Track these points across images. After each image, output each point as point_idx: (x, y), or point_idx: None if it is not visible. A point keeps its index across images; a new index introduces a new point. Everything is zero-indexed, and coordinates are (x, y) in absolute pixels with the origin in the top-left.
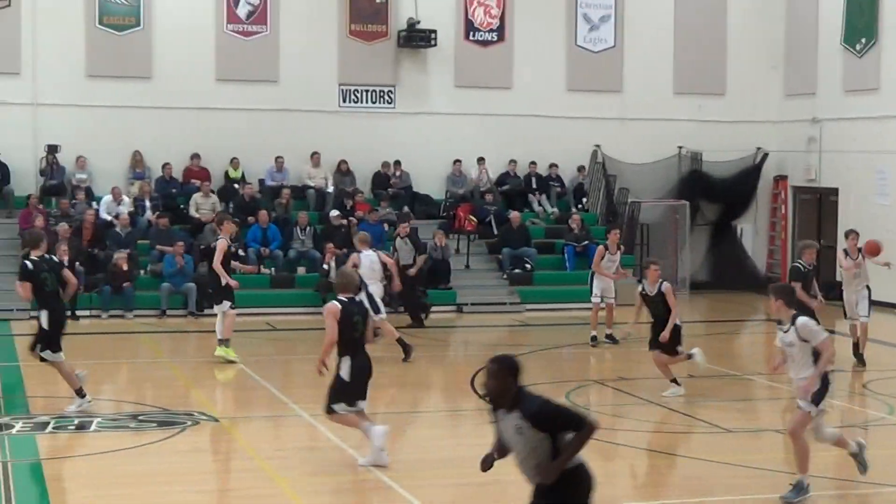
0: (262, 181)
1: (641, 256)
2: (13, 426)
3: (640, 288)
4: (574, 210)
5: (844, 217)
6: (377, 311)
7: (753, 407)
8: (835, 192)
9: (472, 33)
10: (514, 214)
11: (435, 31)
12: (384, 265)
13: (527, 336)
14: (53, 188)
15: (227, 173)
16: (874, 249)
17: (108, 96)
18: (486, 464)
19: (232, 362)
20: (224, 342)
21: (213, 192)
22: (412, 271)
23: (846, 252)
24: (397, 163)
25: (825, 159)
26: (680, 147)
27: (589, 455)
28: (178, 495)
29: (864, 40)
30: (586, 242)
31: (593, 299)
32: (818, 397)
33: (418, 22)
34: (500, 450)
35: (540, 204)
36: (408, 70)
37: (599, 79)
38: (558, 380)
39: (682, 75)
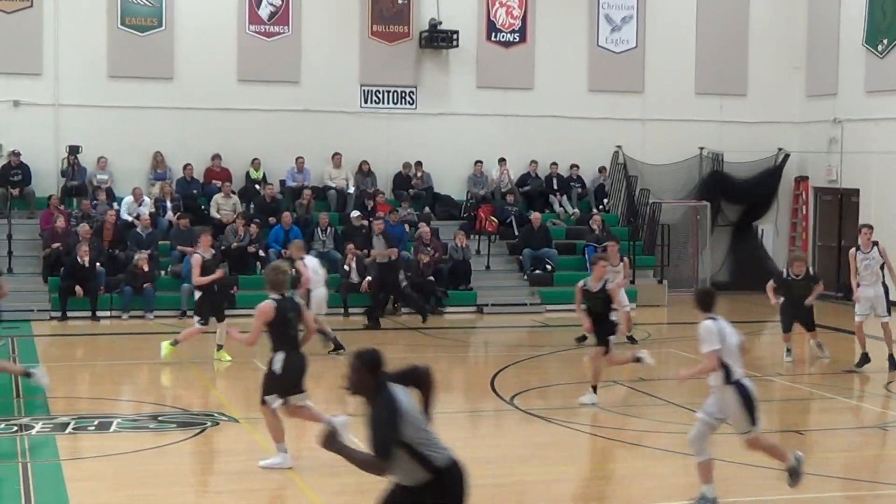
0: (282, 182)
1: (662, 257)
2: (33, 427)
3: (581, 283)
4: (595, 211)
5: (865, 218)
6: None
7: (773, 408)
8: (856, 192)
9: (493, 34)
10: (534, 215)
11: (457, 32)
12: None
13: (547, 337)
14: (74, 189)
15: (248, 174)
16: None
17: (130, 97)
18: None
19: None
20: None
21: (234, 192)
22: (372, 255)
23: (858, 247)
24: (418, 163)
25: (846, 160)
26: (701, 148)
27: (611, 455)
28: (198, 496)
29: (885, 41)
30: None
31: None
32: (749, 412)
33: (440, 23)
34: None
35: (561, 205)
36: (429, 71)
37: (621, 79)
38: (578, 380)
39: (703, 76)
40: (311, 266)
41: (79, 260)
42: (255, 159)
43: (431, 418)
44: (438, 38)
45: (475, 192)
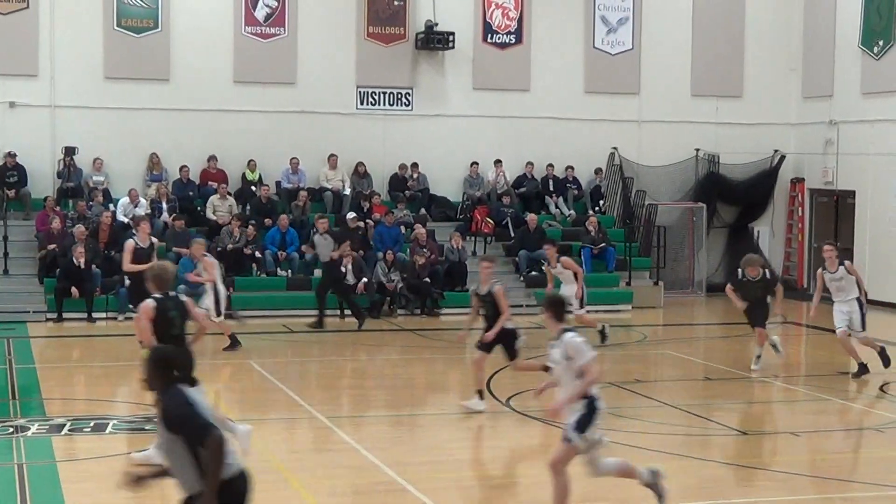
0: (278, 183)
1: (658, 259)
2: (29, 428)
3: (473, 287)
4: (591, 212)
5: (861, 220)
6: (219, 313)
7: (770, 409)
8: (852, 194)
9: (489, 35)
10: (531, 217)
11: (453, 34)
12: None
13: (544, 338)
14: (70, 190)
15: (244, 175)
16: None
17: (126, 98)
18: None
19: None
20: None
21: (230, 194)
22: (333, 254)
23: (825, 266)
24: (414, 165)
25: (842, 162)
26: (697, 149)
27: (607, 457)
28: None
29: (881, 42)
30: (603, 245)
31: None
32: (581, 425)
33: (436, 24)
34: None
35: (557, 206)
36: (425, 72)
37: (617, 81)
38: None
39: (699, 78)
40: (214, 264)
41: (74, 261)
42: (251, 161)
43: (226, 422)
44: (434, 40)
45: (471, 194)
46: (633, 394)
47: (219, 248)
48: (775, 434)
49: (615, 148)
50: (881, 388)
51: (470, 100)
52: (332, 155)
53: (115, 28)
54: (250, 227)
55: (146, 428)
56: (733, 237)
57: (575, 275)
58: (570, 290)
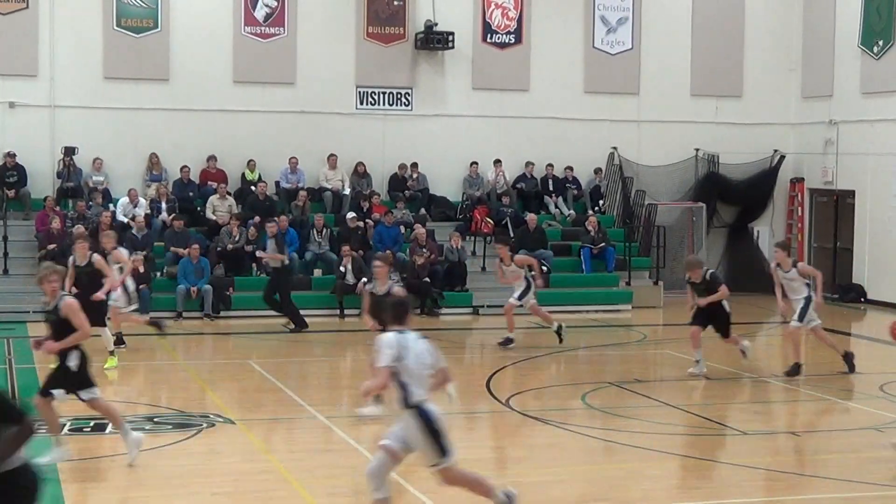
0: (277, 183)
1: (658, 259)
2: None
3: (370, 286)
4: (591, 212)
5: (861, 219)
6: (129, 302)
7: (769, 409)
8: (851, 194)
9: (489, 35)
10: (530, 217)
11: (452, 34)
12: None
13: (543, 338)
14: (70, 190)
15: (243, 175)
16: None
17: (126, 98)
18: None
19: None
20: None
21: (229, 194)
22: (261, 254)
23: (779, 265)
24: (414, 165)
25: (842, 162)
26: (697, 149)
27: (607, 457)
28: (194, 497)
29: (881, 42)
30: (603, 245)
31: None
32: (436, 438)
33: (436, 24)
34: None
35: (557, 206)
36: (425, 72)
37: (617, 81)
38: (574, 381)
39: (699, 78)
40: (126, 257)
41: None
42: (250, 161)
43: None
44: (434, 40)
45: (471, 194)
46: (633, 394)
47: (219, 248)
48: (775, 434)
49: (615, 148)
50: (881, 388)
51: (469, 100)
52: (331, 155)
53: (115, 28)
54: (252, 228)
55: (146, 428)
56: (733, 237)
57: (530, 267)
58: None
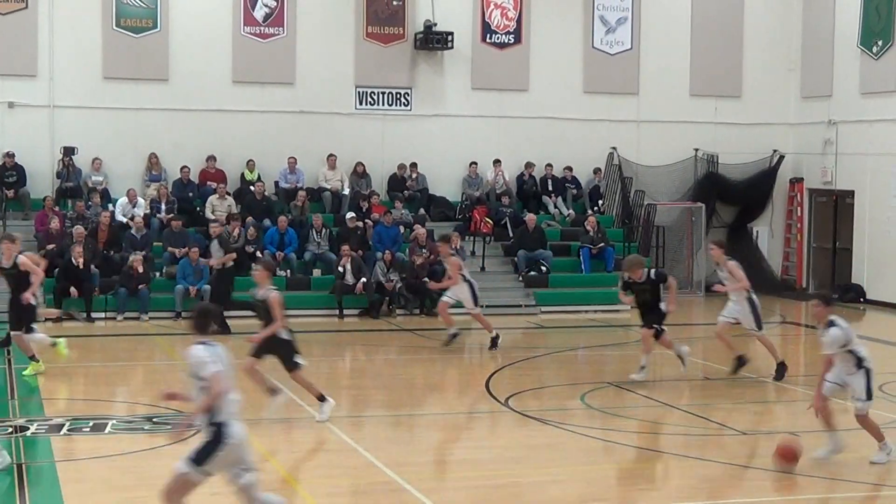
0: (276, 183)
1: (657, 259)
2: (28, 428)
3: (252, 291)
4: (590, 212)
5: (860, 219)
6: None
7: (767, 409)
8: (851, 194)
9: (488, 35)
10: (529, 217)
11: (451, 34)
12: None
13: (542, 338)
14: (69, 190)
15: (243, 175)
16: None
17: (125, 98)
18: None
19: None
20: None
21: (228, 194)
22: (213, 262)
23: (717, 263)
24: (413, 165)
25: (841, 162)
26: (696, 149)
27: (606, 457)
28: (193, 498)
29: (880, 42)
30: (602, 245)
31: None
32: (200, 455)
33: (435, 24)
34: None
35: (556, 206)
36: (424, 72)
37: (616, 81)
38: (574, 382)
39: (698, 78)
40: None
41: (73, 261)
42: (249, 161)
43: None
44: (433, 40)
45: (470, 194)
46: (633, 394)
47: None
48: (775, 434)
49: (614, 148)
50: (881, 388)
51: (469, 100)
52: (330, 155)
53: (115, 28)
54: (252, 228)
55: (145, 427)
56: (732, 237)
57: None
58: (461, 290)
